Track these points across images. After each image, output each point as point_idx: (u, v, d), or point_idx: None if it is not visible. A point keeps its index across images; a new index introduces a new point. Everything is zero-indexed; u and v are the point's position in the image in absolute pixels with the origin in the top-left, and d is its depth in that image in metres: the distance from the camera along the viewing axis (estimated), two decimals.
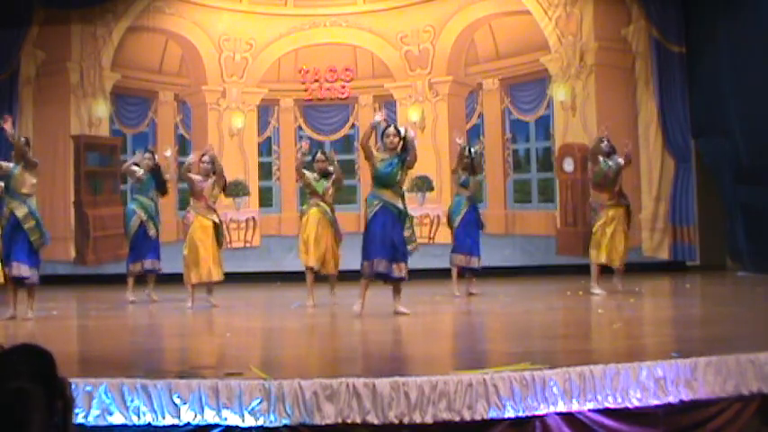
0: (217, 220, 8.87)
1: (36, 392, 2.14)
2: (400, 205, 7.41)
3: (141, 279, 9.67)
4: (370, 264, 7.35)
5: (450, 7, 12.62)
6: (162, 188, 9.62)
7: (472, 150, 9.51)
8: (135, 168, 9.58)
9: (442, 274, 9.75)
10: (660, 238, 12.16)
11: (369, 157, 7.52)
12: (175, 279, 9.31)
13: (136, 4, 12.70)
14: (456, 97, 12.63)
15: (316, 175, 8.90)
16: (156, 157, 9.83)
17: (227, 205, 12.38)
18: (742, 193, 11.19)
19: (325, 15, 12.76)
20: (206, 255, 8.69)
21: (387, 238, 7.30)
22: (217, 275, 8.78)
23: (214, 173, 8.89)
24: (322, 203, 8.78)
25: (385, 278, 7.49)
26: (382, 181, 7.44)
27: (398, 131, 7.51)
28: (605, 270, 9.24)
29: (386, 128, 7.62)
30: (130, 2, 12.69)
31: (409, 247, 7.48)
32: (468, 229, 9.31)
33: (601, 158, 9.09)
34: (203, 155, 9.03)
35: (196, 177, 8.82)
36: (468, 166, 9.37)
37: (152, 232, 9.46)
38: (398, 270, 7.36)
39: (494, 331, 7.19)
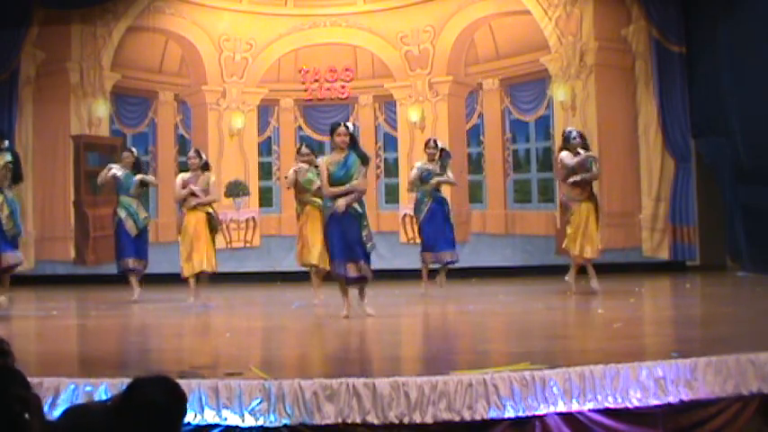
0: (210, 211, 8.92)
1: (34, 398, 2.16)
2: (356, 206, 7.33)
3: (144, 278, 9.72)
4: (338, 266, 7.29)
5: (450, 7, 12.61)
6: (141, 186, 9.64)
7: (439, 143, 9.44)
8: (113, 173, 9.54)
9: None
10: (660, 238, 12.15)
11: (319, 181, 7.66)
12: (175, 279, 9.32)
13: (136, 4, 12.70)
14: (456, 97, 12.63)
15: (302, 167, 8.84)
16: (135, 151, 9.90)
17: (227, 205, 12.39)
18: (742, 193, 11.18)
19: (325, 15, 12.76)
20: (199, 247, 8.73)
21: (343, 239, 7.25)
22: (209, 266, 8.78)
23: (204, 167, 8.95)
24: (314, 198, 8.68)
25: (346, 280, 7.40)
26: (336, 185, 7.36)
27: (347, 128, 7.42)
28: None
29: (336, 127, 7.49)
30: (130, 2, 12.69)
31: (367, 246, 7.38)
32: (434, 225, 9.20)
33: (567, 158, 8.99)
34: (189, 152, 9.14)
35: (186, 178, 8.94)
36: (434, 157, 9.26)
37: (132, 231, 9.45)
38: (356, 270, 7.28)
39: (494, 331, 7.19)
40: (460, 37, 12.59)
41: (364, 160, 7.40)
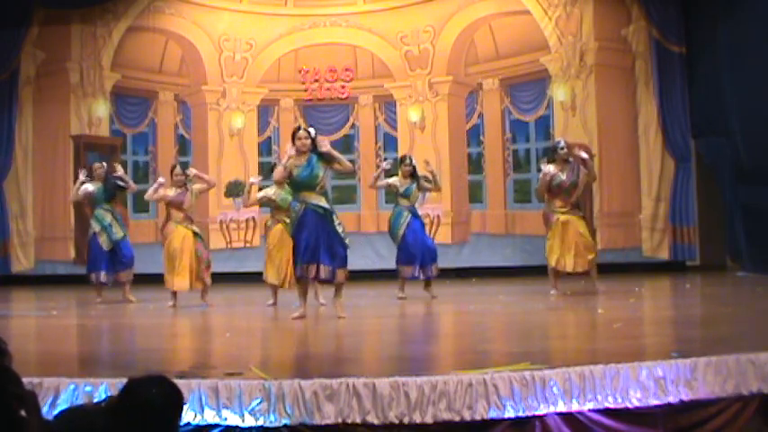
0: (197, 230, 8.90)
1: (32, 395, 2.16)
2: (324, 204, 7.35)
3: (135, 281, 9.71)
4: (301, 269, 7.29)
5: (450, 7, 12.62)
6: (110, 196, 9.60)
7: (412, 159, 9.38)
8: (85, 189, 9.52)
9: (441, 274, 9.76)
10: (660, 238, 12.16)
11: (285, 178, 7.61)
12: None
13: (136, 4, 12.71)
14: (456, 97, 12.64)
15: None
16: (105, 164, 9.81)
17: (227, 205, 12.39)
18: (742, 193, 11.19)
19: (325, 15, 12.77)
20: (183, 265, 8.68)
21: (315, 242, 7.24)
22: (193, 286, 8.76)
23: (184, 185, 8.90)
24: (286, 218, 8.47)
25: (323, 281, 7.49)
26: (302, 186, 7.38)
27: (308, 133, 7.49)
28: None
29: (296, 131, 7.61)
30: (130, 2, 12.70)
31: (346, 241, 7.40)
32: (415, 240, 9.13)
33: (552, 170, 8.95)
34: (173, 168, 9.06)
35: (170, 193, 8.85)
36: (409, 174, 9.21)
37: (105, 245, 9.45)
38: (324, 272, 7.28)
39: (494, 331, 7.18)
40: (460, 37, 12.60)
41: (326, 163, 7.45)
